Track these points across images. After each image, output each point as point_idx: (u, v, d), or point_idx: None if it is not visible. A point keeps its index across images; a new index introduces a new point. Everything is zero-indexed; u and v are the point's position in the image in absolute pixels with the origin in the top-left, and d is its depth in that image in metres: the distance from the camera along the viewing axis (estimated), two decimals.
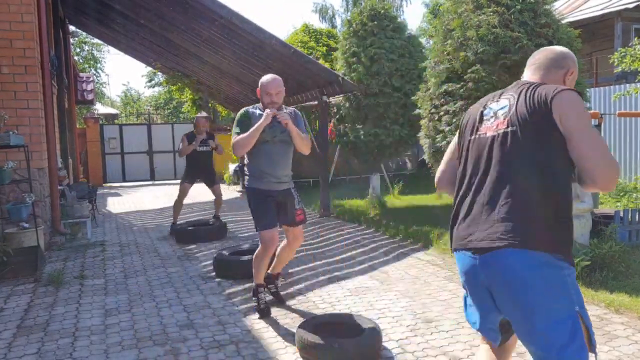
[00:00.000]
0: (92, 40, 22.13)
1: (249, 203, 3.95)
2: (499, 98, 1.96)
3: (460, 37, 5.60)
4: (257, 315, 3.98)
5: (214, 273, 5.18)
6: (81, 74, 15.73)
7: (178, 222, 7.46)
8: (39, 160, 6.27)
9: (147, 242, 7.02)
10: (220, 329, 3.74)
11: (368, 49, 8.55)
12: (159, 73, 19.51)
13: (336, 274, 5.16)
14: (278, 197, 3.92)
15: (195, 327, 3.77)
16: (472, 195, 1.90)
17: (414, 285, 4.71)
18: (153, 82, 30.01)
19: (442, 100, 5.81)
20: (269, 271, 4.25)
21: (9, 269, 5.09)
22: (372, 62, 8.50)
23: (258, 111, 3.86)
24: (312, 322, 3.37)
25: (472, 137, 1.97)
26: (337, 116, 9.33)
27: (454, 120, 5.53)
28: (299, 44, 15.46)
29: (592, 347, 1.76)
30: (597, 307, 3.93)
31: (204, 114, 7.59)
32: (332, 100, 9.26)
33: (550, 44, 5.38)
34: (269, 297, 4.21)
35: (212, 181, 7.49)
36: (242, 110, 3.92)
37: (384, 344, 3.37)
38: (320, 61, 12.96)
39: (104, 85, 27.48)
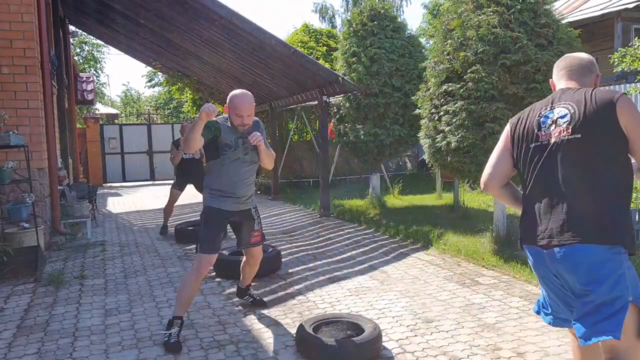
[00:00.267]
0: (92, 40, 22.10)
1: (201, 220, 3.71)
2: (553, 106, 2.13)
3: (460, 37, 5.60)
4: (257, 316, 3.98)
5: (214, 273, 5.18)
6: (81, 74, 15.72)
7: (179, 223, 7.46)
8: (39, 160, 6.27)
9: (147, 242, 7.02)
10: (220, 329, 3.74)
11: (368, 49, 8.55)
12: (159, 73, 19.51)
13: (336, 274, 5.16)
14: (235, 217, 3.71)
15: (195, 327, 3.77)
16: (545, 197, 2.08)
17: (414, 285, 4.71)
18: (153, 82, 30.02)
19: (442, 100, 5.81)
20: (239, 284, 4.23)
21: (9, 269, 5.09)
22: (372, 62, 8.50)
23: (227, 125, 3.54)
24: (312, 322, 3.37)
25: (534, 144, 2.14)
26: (337, 116, 9.33)
27: (454, 120, 5.53)
28: (299, 44, 15.44)
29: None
30: None
31: (189, 122, 7.46)
32: (332, 100, 9.26)
33: (550, 44, 5.39)
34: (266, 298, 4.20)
35: (201, 186, 7.34)
36: (212, 120, 3.47)
37: (384, 344, 3.37)
38: (320, 61, 12.95)
39: (104, 86, 27.44)
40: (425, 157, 6.44)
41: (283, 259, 5.60)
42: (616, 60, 6.13)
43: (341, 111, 9.12)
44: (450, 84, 5.65)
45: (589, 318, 1.93)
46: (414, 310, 4.02)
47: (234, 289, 4.69)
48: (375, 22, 8.73)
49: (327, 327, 3.38)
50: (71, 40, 14.24)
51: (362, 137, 8.63)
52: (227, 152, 3.50)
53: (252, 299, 4.22)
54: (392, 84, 8.44)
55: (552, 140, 2.07)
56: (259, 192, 13.28)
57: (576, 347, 2.23)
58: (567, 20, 6.80)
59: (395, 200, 10.12)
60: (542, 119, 2.15)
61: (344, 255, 5.94)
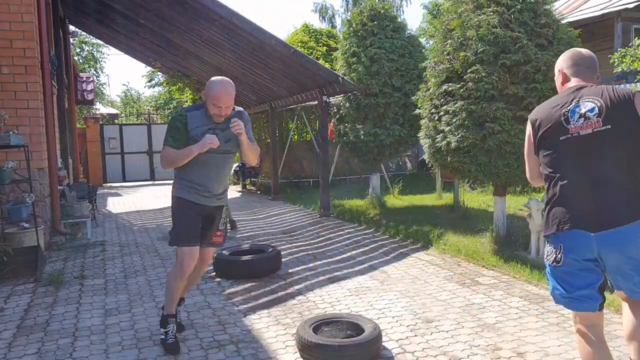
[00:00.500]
0: (92, 40, 22.08)
1: (172, 212, 3.39)
2: (579, 101, 2.32)
3: (460, 37, 5.60)
4: (257, 316, 3.98)
5: (214, 273, 5.18)
6: (81, 74, 15.71)
7: None
8: (39, 160, 6.27)
9: (147, 242, 7.02)
10: (220, 329, 3.74)
11: (368, 49, 8.55)
12: (159, 73, 19.50)
13: (336, 274, 5.16)
14: (206, 212, 3.39)
15: (195, 327, 3.77)
16: (586, 185, 2.27)
17: (414, 285, 4.71)
18: (153, 82, 30.00)
19: (442, 100, 5.81)
20: None
21: (9, 269, 5.09)
22: (372, 62, 8.49)
23: (200, 113, 3.24)
24: (312, 322, 3.37)
25: (564, 137, 2.32)
26: (337, 116, 9.33)
27: (454, 120, 5.53)
28: (299, 44, 15.45)
29: None
30: None
31: None
32: (332, 100, 9.26)
33: (551, 44, 5.38)
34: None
35: None
36: (178, 112, 3.27)
37: (384, 344, 3.37)
38: (320, 61, 12.95)
39: (104, 86, 27.43)
40: (425, 157, 6.43)
41: (283, 259, 5.60)
42: (616, 60, 6.12)
43: (341, 111, 9.12)
44: (450, 84, 5.65)
45: None
46: (414, 310, 4.02)
47: (234, 289, 4.70)
48: (375, 22, 8.73)
49: (327, 327, 3.38)
50: (71, 40, 14.24)
51: (362, 137, 8.63)
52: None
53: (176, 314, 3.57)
54: (392, 84, 8.44)
55: (584, 132, 2.27)
56: (258, 192, 13.28)
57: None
58: (567, 20, 6.80)
59: (395, 200, 10.12)
60: (569, 114, 2.32)
61: (344, 255, 5.94)
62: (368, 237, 6.99)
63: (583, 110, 2.29)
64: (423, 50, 9.23)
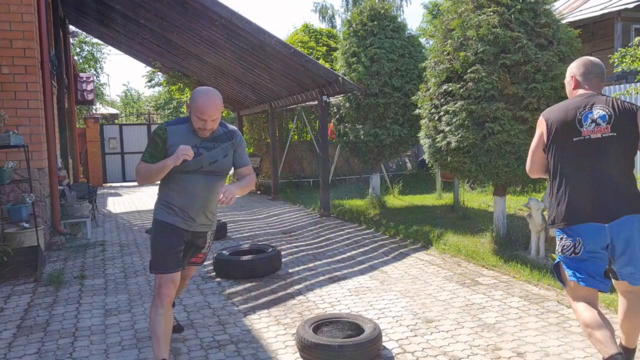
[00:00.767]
0: (92, 40, 22.09)
1: (151, 236, 3.04)
2: (592, 108, 2.63)
3: (460, 37, 5.60)
4: (257, 316, 3.98)
5: (214, 273, 5.18)
6: (81, 74, 15.71)
7: None
8: (39, 160, 6.27)
9: (147, 242, 7.02)
10: (220, 329, 3.74)
11: (368, 49, 8.55)
12: (159, 73, 19.50)
13: (336, 274, 5.16)
14: (186, 236, 3.00)
15: (195, 327, 3.77)
16: (596, 182, 2.60)
17: (414, 285, 4.71)
18: (153, 82, 29.99)
19: (442, 100, 5.81)
20: None
21: (9, 269, 5.09)
22: (372, 62, 8.50)
23: (183, 128, 2.89)
24: (312, 322, 3.37)
25: (577, 138, 2.62)
26: (337, 116, 9.33)
27: (454, 120, 5.53)
28: (299, 44, 15.44)
29: None
30: None
31: None
32: (332, 100, 9.26)
33: (551, 44, 5.38)
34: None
35: None
36: (160, 126, 2.92)
37: (384, 344, 3.37)
38: (320, 61, 12.95)
39: (104, 86, 27.44)
40: (425, 157, 6.43)
41: (283, 259, 5.61)
42: (616, 60, 6.13)
43: (341, 111, 9.12)
44: (450, 84, 5.65)
45: None
46: (414, 310, 4.02)
47: (234, 289, 4.70)
48: (375, 22, 8.73)
49: (327, 327, 3.38)
50: (71, 40, 14.24)
51: (362, 137, 8.63)
52: (185, 161, 2.77)
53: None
54: (392, 84, 8.44)
55: (594, 136, 2.60)
56: (258, 192, 13.28)
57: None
58: (567, 20, 6.81)
59: (395, 200, 10.12)
60: (583, 118, 2.63)
61: (344, 255, 5.94)
62: (368, 237, 6.99)
63: (595, 116, 2.61)
64: (423, 50, 9.23)
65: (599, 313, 2.60)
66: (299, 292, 4.58)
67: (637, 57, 5.87)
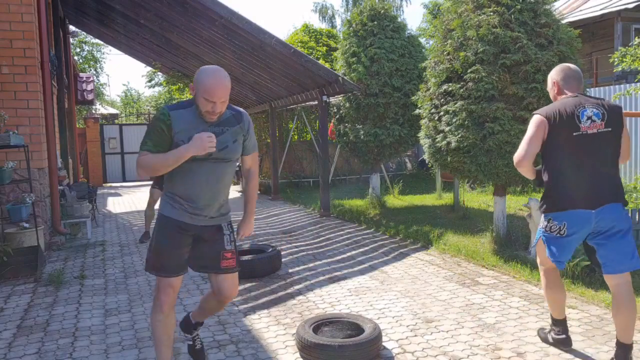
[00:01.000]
0: (92, 40, 22.10)
1: (153, 232, 2.76)
2: (585, 106, 2.90)
3: (460, 37, 5.60)
4: (257, 316, 3.98)
5: None
6: (81, 74, 15.72)
7: None
8: (39, 160, 6.27)
9: (147, 242, 7.02)
10: (220, 329, 3.74)
11: (368, 49, 8.55)
12: (159, 73, 19.50)
13: (336, 274, 5.16)
14: (197, 233, 2.70)
15: None
16: (591, 172, 2.89)
17: (414, 285, 4.71)
18: (153, 82, 29.99)
19: (442, 100, 5.81)
20: (189, 315, 3.07)
21: (9, 269, 5.09)
22: (372, 62, 8.50)
23: (188, 112, 2.58)
24: (312, 322, 3.37)
25: (577, 133, 2.88)
26: (337, 116, 9.33)
27: (454, 120, 5.52)
28: (299, 44, 15.44)
29: None
30: (597, 307, 3.93)
31: None
32: (332, 100, 9.26)
33: (551, 44, 5.38)
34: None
35: None
36: (160, 111, 2.60)
37: (384, 344, 3.37)
38: (320, 61, 12.95)
39: (104, 86, 27.44)
40: (425, 157, 6.43)
41: (283, 259, 5.60)
42: (616, 59, 6.12)
43: (341, 111, 9.12)
44: (450, 84, 5.64)
45: (623, 256, 2.87)
46: (414, 310, 4.02)
47: None
48: (375, 22, 8.73)
49: (327, 327, 3.38)
50: (71, 40, 14.24)
51: (362, 137, 8.63)
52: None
53: (192, 344, 3.09)
54: (392, 84, 8.43)
55: (591, 131, 2.88)
56: (258, 192, 13.28)
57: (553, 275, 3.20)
58: (567, 20, 6.80)
59: (395, 200, 10.12)
60: (580, 115, 2.90)
61: (344, 255, 5.94)
62: (368, 237, 6.99)
63: (590, 114, 2.89)
64: (423, 50, 9.23)
65: (559, 280, 3.20)
66: (299, 292, 4.58)
67: (637, 57, 5.87)
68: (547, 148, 2.96)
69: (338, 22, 31.06)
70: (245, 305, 4.24)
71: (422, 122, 6.28)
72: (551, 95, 3.15)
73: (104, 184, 16.67)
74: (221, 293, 2.78)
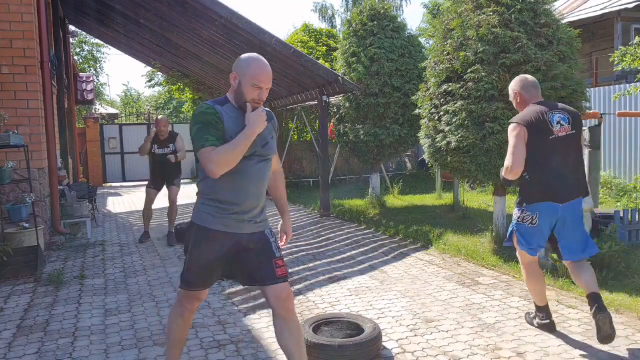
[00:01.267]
0: (92, 40, 22.09)
1: (186, 245, 2.57)
2: (553, 112, 3.28)
3: (460, 37, 5.60)
4: (257, 316, 3.98)
5: None
6: (81, 74, 15.72)
7: (177, 223, 7.38)
8: (39, 160, 6.27)
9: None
10: (220, 329, 3.74)
11: (368, 49, 8.55)
12: (159, 73, 19.51)
13: (336, 274, 5.16)
14: (241, 243, 2.52)
15: (195, 327, 3.77)
16: (562, 171, 3.26)
17: (414, 285, 4.71)
18: (153, 82, 30.00)
19: (442, 100, 5.81)
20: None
21: (9, 269, 5.09)
22: (372, 62, 8.50)
23: (227, 107, 2.42)
24: (312, 322, 3.37)
25: (552, 137, 3.23)
26: (337, 116, 9.33)
27: (454, 120, 5.52)
28: (299, 44, 15.43)
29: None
30: None
31: (162, 117, 7.17)
32: (332, 100, 9.26)
33: (551, 44, 5.38)
34: None
35: (171, 183, 7.07)
36: (204, 106, 2.40)
37: (384, 344, 3.37)
38: (320, 61, 12.95)
39: (104, 86, 27.44)
40: (425, 157, 6.43)
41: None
42: (616, 59, 6.12)
43: (341, 111, 9.12)
44: (450, 84, 5.64)
45: (581, 245, 3.32)
46: (414, 310, 4.02)
47: (234, 289, 4.69)
48: (375, 22, 8.73)
49: (327, 327, 3.38)
50: (71, 40, 14.24)
51: (362, 137, 8.63)
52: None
53: None
54: (392, 84, 8.43)
55: (561, 134, 3.25)
56: None
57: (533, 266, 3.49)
58: (567, 20, 6.80)
59: (395, 200, 10.12)
60: (550, 120, 3.25)
61: (344, 255, 5.94)
62: (368, 237, 6.99)
63: (558, 119, 3.27)
64: (423, 50, 9.23)
65: (539, 271, 3.49)
66: (299, 292, 4.58)
67: (637, 56, 5.87)
68: (527, 152, 3.28)
69: (338, 22, 31.08)
70: (245, 305, 4.24)
71: (422, 122, 6.28)
72: (515, 105, 3.50)
73: (104, 184, 16.66)
74: (281, 302, 2.60)
